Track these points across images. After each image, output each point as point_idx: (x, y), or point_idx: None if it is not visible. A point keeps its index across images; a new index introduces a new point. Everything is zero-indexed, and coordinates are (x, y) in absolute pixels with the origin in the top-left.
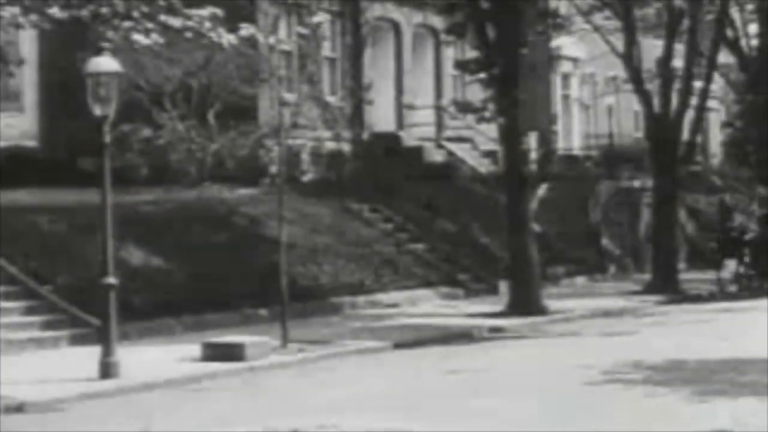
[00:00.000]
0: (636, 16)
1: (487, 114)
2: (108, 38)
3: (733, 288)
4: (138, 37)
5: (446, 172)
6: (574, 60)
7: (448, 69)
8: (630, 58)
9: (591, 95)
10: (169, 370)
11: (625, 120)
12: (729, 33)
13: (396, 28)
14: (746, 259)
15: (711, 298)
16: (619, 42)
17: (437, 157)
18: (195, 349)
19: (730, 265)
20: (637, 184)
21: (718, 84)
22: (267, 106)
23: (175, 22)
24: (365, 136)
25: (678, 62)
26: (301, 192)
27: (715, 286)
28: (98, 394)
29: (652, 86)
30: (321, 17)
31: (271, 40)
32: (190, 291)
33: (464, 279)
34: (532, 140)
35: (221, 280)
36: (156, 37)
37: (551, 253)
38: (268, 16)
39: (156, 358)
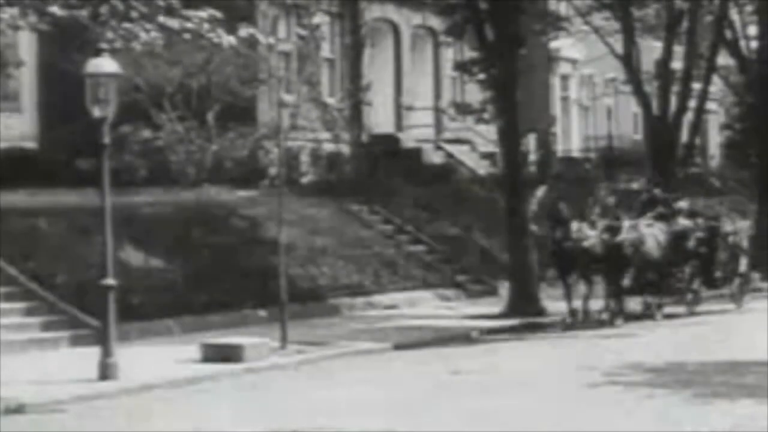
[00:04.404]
0: (635, 18)
1: (486, 115)
2: (107, 39)
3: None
4: (137, 33)
5: (445, 174)
6: (573, 61)
7: (447, 70)
8: (629, 59)
9: (590, 97)
10: (169, 371)
11: (624, 122)
12: (728, 35)
13: (395, 29)
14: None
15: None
16: (618, 43)
17: (436, 158)
18: (194, 350)
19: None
20: (635, 185)
21: (717, 86)
22: (266, 107)
23: (174, 23)
24: (364, 137)
25: (677, 64)
26: (300, 193)
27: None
28: (98, 395)
29: (651, 88)
30: (320, 18)
31: (270, 41)
32: (189, 292)
33: (463, 280)
34: (531, 142)
35: (220, 281)
36: (155, 35)
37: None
38: (267, 17)
39: (155, 359)
